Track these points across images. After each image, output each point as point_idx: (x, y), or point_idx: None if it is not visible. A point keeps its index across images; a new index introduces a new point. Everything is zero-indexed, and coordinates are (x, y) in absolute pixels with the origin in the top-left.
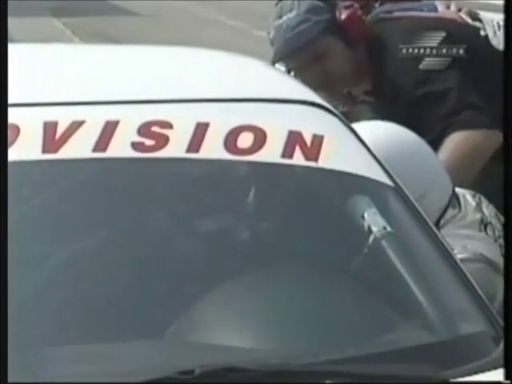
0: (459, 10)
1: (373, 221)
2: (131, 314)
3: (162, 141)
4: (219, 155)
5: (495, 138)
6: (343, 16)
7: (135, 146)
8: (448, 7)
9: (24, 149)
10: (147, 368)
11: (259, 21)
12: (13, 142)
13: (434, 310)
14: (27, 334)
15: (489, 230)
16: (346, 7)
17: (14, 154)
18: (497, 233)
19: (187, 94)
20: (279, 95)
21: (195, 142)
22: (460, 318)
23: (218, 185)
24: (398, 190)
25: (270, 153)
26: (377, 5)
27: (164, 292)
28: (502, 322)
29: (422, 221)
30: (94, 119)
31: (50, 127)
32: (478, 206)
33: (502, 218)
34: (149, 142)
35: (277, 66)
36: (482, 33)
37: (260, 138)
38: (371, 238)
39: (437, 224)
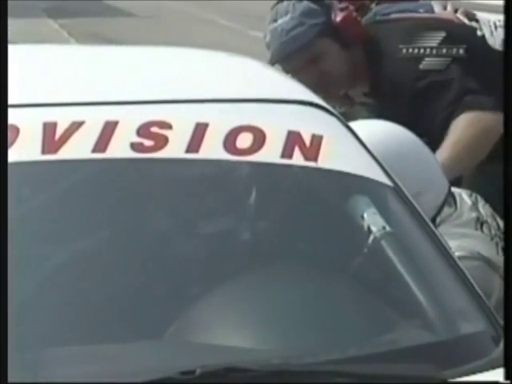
0: (455, 11)
1: (372, 221)
2: (132, 315)
3: (162, 141)
4: (218, 155)
5: (502, 119)
6: (338, 18)
7: (134, 146)
8: (444, 8)
9: (23, 149)
10: (148, 368)
11: (255, 22)
12: (12, 142)
13: (433, 309)
14: (27, 333)
15: (485, 229)
16: (341, 9)
17: (13, 154)
18: (493, 231)
19: (186, 94)
20: (278, 95)
21: (194, 143)
22: (460, 317)
23: (218, 185)
24: (397, 189)
25: (270, 153)
26: (373, 5)
27: (164, 292)
28: (501, 321)
29: (421, 220)
30: (94, 120)
31: (49, 128)
32: (474, 205)
33: (498, 218)
34: (148, 143)
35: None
36: (479, 33)
37: (259, 138)
38: (371, 238)
39: (433, 222)
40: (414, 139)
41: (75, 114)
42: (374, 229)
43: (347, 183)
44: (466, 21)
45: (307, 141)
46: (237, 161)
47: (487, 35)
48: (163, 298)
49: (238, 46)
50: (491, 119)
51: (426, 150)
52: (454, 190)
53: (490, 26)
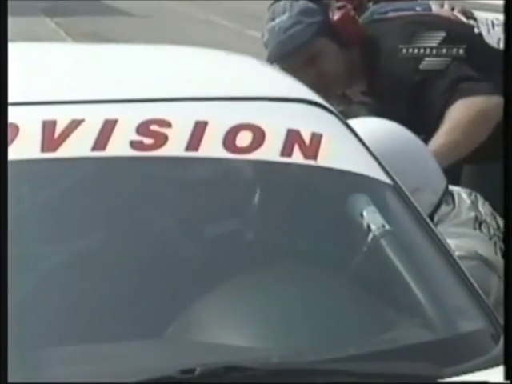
0: (452, 9)
1: (371, 219)
2: (132, 314)
3: (161, 139)
4: (218, 154)
5: (498, 102)
6: (336, 17)
7: (134, 144)
8: (441, 6)
9: (23, 147)
10: (148, 367)
11: (253, 21)
12: (12, 140)
13: (433, 307)
14: (27, 333)
15: (483, 228)
16: (339, 8)
17: (12, 152)
18: (492, 231)
19: (186, 92)
20: (278, 94)
21: (194, 141)
22: (459, 315)
23: (217, 183)
24: (396, 188)
25: (269, 151)
26: (370, 4)
27: (164, 291)
28: (500, 320)
29: (420, 219)
30: (93, 118)
31: (48, 126)
32: (474, 204)
33: (497, 217)
34: (147, 141)
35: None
36: (476, 31)
37: (259, 136)
38: (370, 237)
39: (430, 219)
40: (411, 137)
41: (75, 112)
42: (373, 227)
43: (347, 181)
44: (463, 19)
45: (307, 139)
46: (236, 159)
47: (484, 33)
48: (163, 297)
49: (236, 45)
50: (488, 102)
51: (423, 147)
52: (454, 188)
53: (488, 24)
